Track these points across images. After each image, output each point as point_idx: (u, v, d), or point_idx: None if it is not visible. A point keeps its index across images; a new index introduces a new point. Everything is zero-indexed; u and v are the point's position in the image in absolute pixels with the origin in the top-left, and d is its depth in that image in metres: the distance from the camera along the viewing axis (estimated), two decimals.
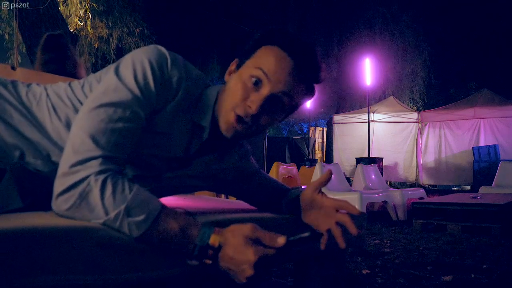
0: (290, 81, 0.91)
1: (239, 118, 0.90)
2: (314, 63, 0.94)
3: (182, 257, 0.81)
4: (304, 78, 0.94)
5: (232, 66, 0.99)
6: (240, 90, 0.91)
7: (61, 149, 0.89)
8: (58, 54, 2.40)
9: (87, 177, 0.77)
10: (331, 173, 0.97)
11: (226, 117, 0.92)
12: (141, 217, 0.76)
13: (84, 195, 0.77)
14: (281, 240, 0.78)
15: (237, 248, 0.76)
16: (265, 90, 0.90)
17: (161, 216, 0.78)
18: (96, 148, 0.80)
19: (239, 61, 0.97)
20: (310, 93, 0.99)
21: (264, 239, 0.78)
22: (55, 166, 0.84)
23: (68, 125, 0.93)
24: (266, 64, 0.91)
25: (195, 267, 0.81)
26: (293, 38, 0.93)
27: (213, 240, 0.78)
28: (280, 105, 0.93)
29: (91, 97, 0.87)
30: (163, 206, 0.80)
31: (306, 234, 0.80)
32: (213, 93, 0.97)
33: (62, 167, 0.80)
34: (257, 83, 0.91)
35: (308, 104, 12.38)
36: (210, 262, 0.78)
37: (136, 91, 0.86)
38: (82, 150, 0.79)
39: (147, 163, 0.96)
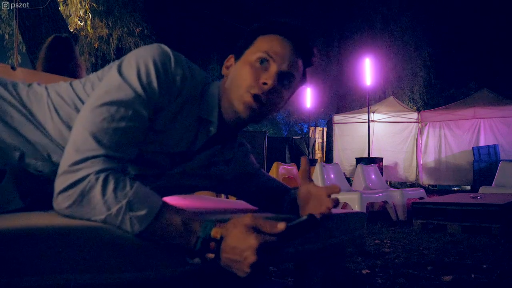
0: (292, 60, 0.97)
1: (255, 97, 0.93)
2: (308, 44, 1.01)
3: (183, 256, 0.80)
4: (302, 59, 1.00)
5: (229, 61, 1.03)
6: (250, 72, 0.94)
7: (62, 149, 0.89)
8: (63, 53, 2.42)
9: (88, 175, 0.77)
10: (307, 160, 1.05)
11: (243, 98, 0.94)
12: (143, 212, 0.76)
13: (85, 192, 0.76)
14: (281, 225, 0.78)
15: (239, 236, 0.76)
16: (273, 68, 0.95)
17: (163, 210, 0.78)
18: (98, 147, 0.80)
19: (237, 54, 1.01)
20: (304, 77, 1.05)
21: (265, 227, 0.78)
22: (55, 167, 0.83)
23: (69, 125, 0.92)
24: (269, 47, 0.96)
25: (195, 267, 0.81)
26: (288, 24, 0.99)
27: (215, 232, 0.78)
28: (287, 82, 0.98)
29: (94, 95, 0.87)
30: (164, 202, 0.80)
31: (305, 217, 0.81)
32: (215, 88, 1.00)
33: (64, 166, 0.79)
34: (264, 63, 0.95)
35: (308, 104, 12.37)
36: (212, 256, 0.77)
37: (139, 90, 0.85)
38: (84, 149, 0.79)
39: (150, 160, 0.96)
